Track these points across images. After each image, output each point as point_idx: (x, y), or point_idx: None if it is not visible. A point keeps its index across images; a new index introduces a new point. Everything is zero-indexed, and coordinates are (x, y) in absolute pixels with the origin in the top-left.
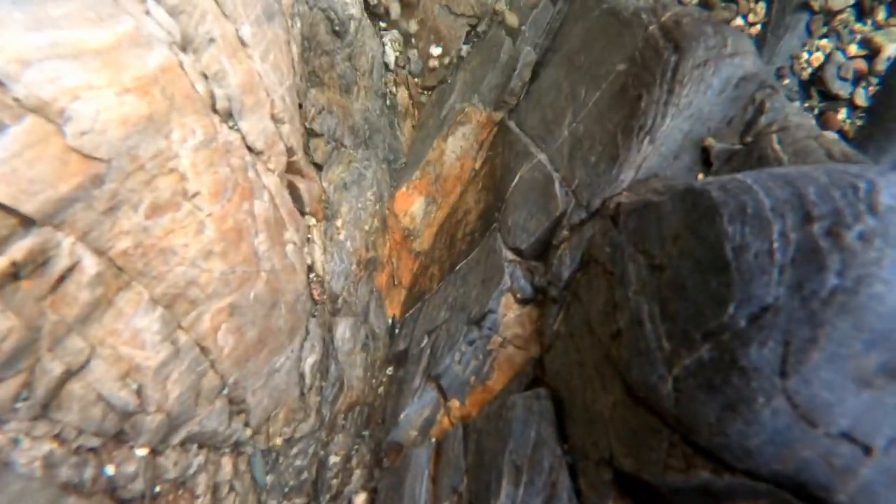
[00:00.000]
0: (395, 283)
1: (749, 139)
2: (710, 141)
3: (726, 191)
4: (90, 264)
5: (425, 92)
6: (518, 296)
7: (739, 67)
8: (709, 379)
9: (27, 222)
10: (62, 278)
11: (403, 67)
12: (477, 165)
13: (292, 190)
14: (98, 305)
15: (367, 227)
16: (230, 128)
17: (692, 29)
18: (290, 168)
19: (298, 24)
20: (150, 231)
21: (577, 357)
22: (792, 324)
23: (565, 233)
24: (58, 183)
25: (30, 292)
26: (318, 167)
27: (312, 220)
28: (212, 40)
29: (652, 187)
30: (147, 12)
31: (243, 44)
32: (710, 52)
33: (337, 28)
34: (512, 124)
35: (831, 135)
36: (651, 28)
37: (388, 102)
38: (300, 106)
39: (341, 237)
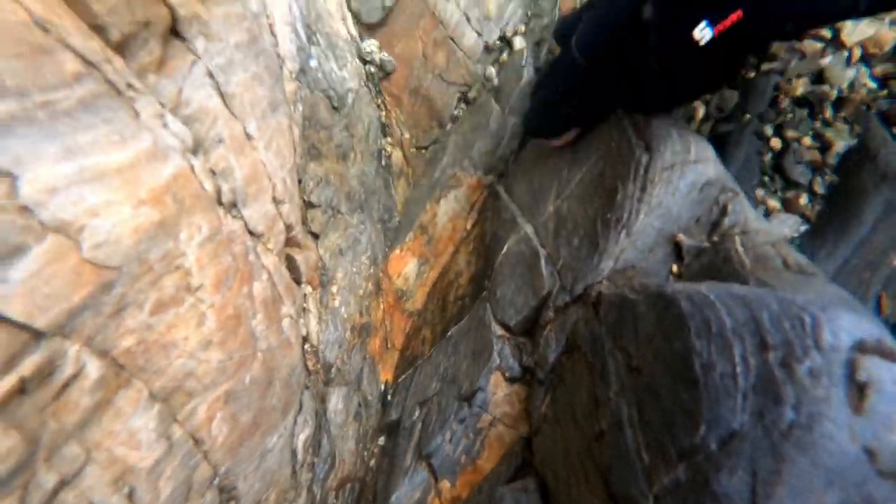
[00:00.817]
0: (388, 346)
1: (715, 238)
2: (680, 237)
3: (693, 302)
4: (93, 368)
5: (420, 151)
6: (507, 374)
7: (703, 174)
8: (685, 501)
9: (38, 335)
10: (66, 386)
11: (398, 129)
12: (468, 226)
13: (290, 262)
14: (98, 408)
15: (361, 292)
16: (234, 217)
17: (660, 131)
18: (289, 242)
19: (300, 108)
20: (153, 328)
21: (563, 444)
22: (757, 453)
23: (550, 314)
24: (71, 295)
25: (33, 404)
26: (316, 236)
27: (308, 289)
28: (220, 140)
29: (629, 281)
30: (164, 125)
31: (249, 138)
32: (677, 156)
33: (335, 105)
34: (501, 190)
35: (787, 246)
36: (625, 122)
37: (383, 162)
38: (300, 181)
39: (336, 303)
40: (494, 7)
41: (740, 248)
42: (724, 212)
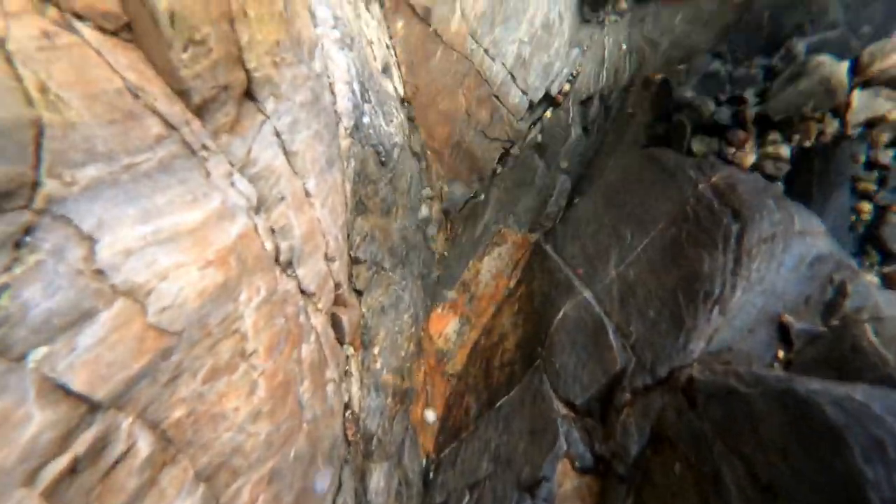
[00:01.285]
0: (428, 409)
1: (834, 323)
2: (788, 318)
3: (846, 412)
4: (145, 444)
5: (461, 207)
6: (576, 463)
7: (811, 247)
8: None
9: (95, 408)
10: (116, 463)
11: (439, 182)
12: (511, 284)
13: (335, 322)
14: (143, 489)
15: (402, 353)
16: (289, 276)
17: (752, 199)
18: (336, 300)
19: (353, 164)
20: (204, 397)
21: None
22: None
23: (627, 396)
24: (132, 362)
25: (81, 486)
26: (360, 293)
27: (350, 350)
28: (282, 198)
29: (730, 367)
30: (233, 184)
31: (308, 195)
32: (777, 227)
33: (383, 159)
34: (549, 248)
35: None
36: (701, 186)
37: (422, 216)
38: (348, 236)
39: (378, 365)
40: (540, 67)
41: (874, 339)
42: (842, 292)
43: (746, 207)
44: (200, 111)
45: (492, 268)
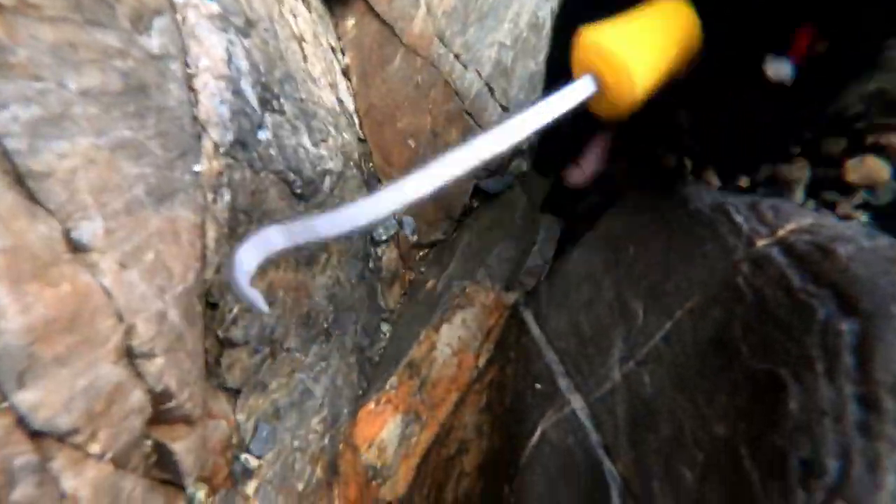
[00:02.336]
0: None
1: None
2: None
3: None
4: None
5: (421, 251)
6: None
7: None
8: None
9: None
10: None
11: (395, 221)
12: (481, 363)
13: (161, 457)
14: None
15: (300, 487)
16: None
17: (874, 275)
18: (159, 419)
19: (227, 198)
20: None
21: None
22: None
23: None
24: None
25: None
26: (234, 392)
27: (200, 496)
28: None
29: None
30: None
31: (78, 248)
32: None
33: (299, 191)
34: (529, 317)
35: None
36: (761, 244)
37: (370, 265)
38: (213, 305)
39: None
40: (525, 77)
41: None
42: None
43: (867, 293)
44: None
45: (453, 340)
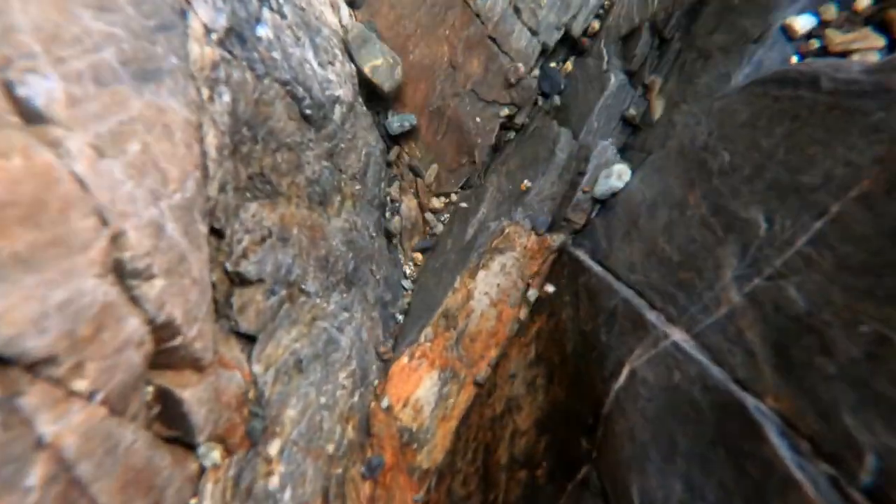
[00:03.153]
0: None
1: None
2: None
3: None
4: None
5: (442, 198)
6: None
7: None
8: None
9: None
10: None
11: (410, 166)
12: (522, 314)
13: (165, 407)
14: None
15: (330, 449)
16: None
17: None
18: (162, 361)
19: (226, 98)
20: None
21: None
22: None
23: None
24: None
25: None
26: (248, 339)
27: (215, 456)
28: None
29: None
30: None
31: (29, 118)
32: None
33: (309, 113)
34: (584, 256)
35: None
36: None
37: (387, 215)
38: (218, 232)
39: (275, 482)
40: None
41: None
42: None
43: None
44: None
45: (491, 288)
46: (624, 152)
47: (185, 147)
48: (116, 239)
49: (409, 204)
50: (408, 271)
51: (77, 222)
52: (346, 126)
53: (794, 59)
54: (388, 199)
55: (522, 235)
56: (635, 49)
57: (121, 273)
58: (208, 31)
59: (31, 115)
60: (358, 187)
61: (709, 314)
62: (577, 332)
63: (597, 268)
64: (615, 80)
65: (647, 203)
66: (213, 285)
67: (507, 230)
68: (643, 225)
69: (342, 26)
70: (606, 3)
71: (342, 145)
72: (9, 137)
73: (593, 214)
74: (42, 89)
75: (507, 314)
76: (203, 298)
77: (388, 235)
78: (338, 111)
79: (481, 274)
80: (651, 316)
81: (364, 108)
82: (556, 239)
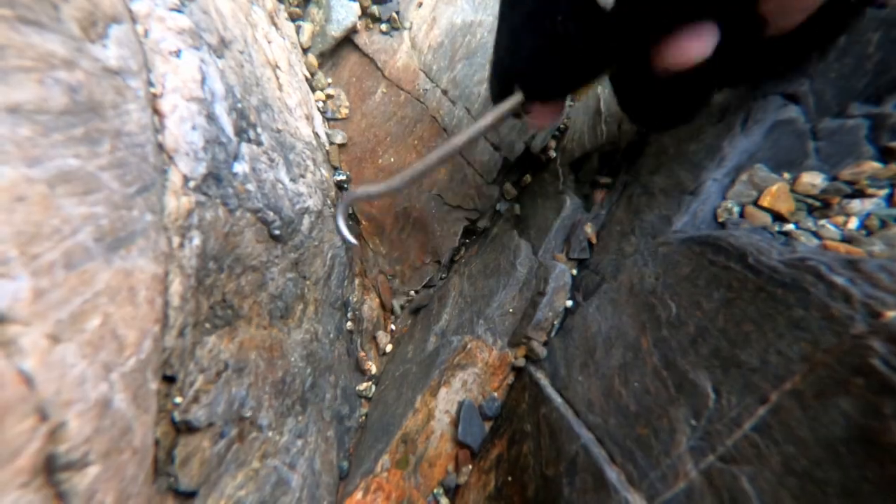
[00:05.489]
0: None
1: None
2: None
3: None
4: None
5: (405, 297)
6: None
7: None
8: None
9: None
10: None
11: (376, 265)
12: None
13: None
14: None
15: None
16: None
17: None
18: None
19: (196, 242)
20: None
21: None
22: None
23: None
24: None
25: None
26: (185, 496)
27: None
28: None
29: None
30: None
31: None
32: None
33: (277, 232)
34: (543, 380)
35: None
36: (892, 315)
37: (349, 315)
38: (171, 379)
39: None
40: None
41: None
42: None
43: None
44: None
45: (451, 405)
46: (580, 271)
47: (148, 304)
48: (54, 433)
49: (371, 304)
50: (368, 372)
51: (11, 429)
52: (313, 234)
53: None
54: (350, 301)
55: (483, 350)
56: (587, 174)
57: (51, 469)
58: (186, 180)
59: None
60: (321, 291)
61: (667, 486)
62: (540, 475)
63: (557, 399)
64: (570, 202)
65: (603, 336)
66: (157, 441)
67: (468, 345)
68: (600, 359)
69: (315, 134)
70: (562, 125)
71: (308, 253)
72: None
73: (552, 334)
74: (8, 293)
75: None
76: (141, 468)
77: (349, 337)
78: (306, 221)
79: (442, 391)
80: (612, 475)
81: (332, 209)
82: (518, 356)
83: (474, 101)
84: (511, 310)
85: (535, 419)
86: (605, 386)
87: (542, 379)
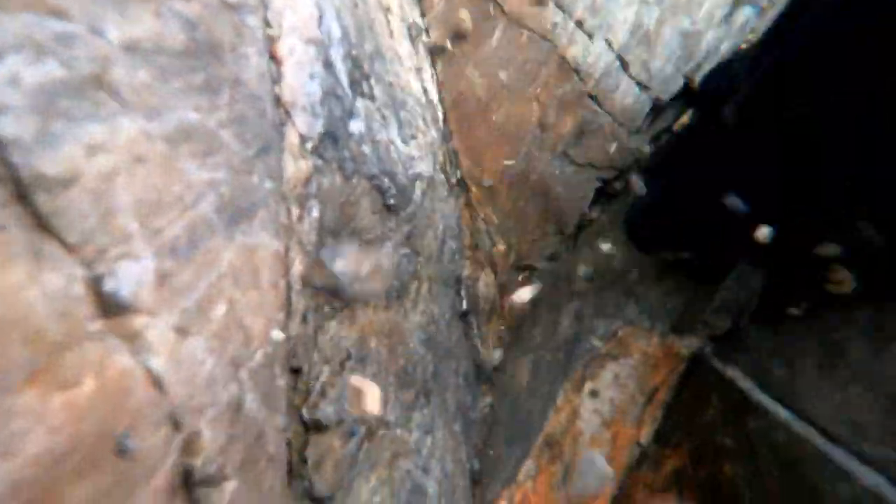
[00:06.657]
0: None
1: None
2: None
3: None
4: None
5: (523, 274)
6: None
7: None
8: None
9: None
10: None
11: (488, 238)
12: (643, 437)
13: None
14: None
15: None
16: None
17: None
18: None
19: (315, 214)
20: None
21: None
22: None
23: None
24: None
25: None
26: (323, 501)
27: None
28: None
29: None
30: None
31: (109, 311)
32: None
33: (391, 202)
34: (741, 380)
35: None
36: None
37: (462, 293)
38: (296, 371)
39: None
40: (676, 42)
41: None
42: None
43: None
44: None
45: (602, 404)
46: None
47: (271, 288)
48: (189, 445)
49: (486, 280)
50: (488, 357)
51: (145, 441)
52: (424, 203)
53: None
54: (463, 276)
55: (640, 338)
56: None
57: (189, 485)
58: (304, 140)
59: (114, 309)
60: (434, 267)
61: None
62: (732, 471)
63: (779, 410)
64: None
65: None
66: (288, 443)
67: (619, 333)
68: (859, 359)
69: (424, 90)
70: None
71: (419, 225)
72: (84, 353)
73: (741, 317)
74: (132, 276)
75: (624, 436)
76: (277, 476)
77: (464, 317)
78: (418, 188)
79: (587, 386)
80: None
81: (442, 175)
82: (688, 345)
83: (618, 30)
84: (674, 288)
85: (739, 434)
86: (889, 401)
87: (741, 379)
